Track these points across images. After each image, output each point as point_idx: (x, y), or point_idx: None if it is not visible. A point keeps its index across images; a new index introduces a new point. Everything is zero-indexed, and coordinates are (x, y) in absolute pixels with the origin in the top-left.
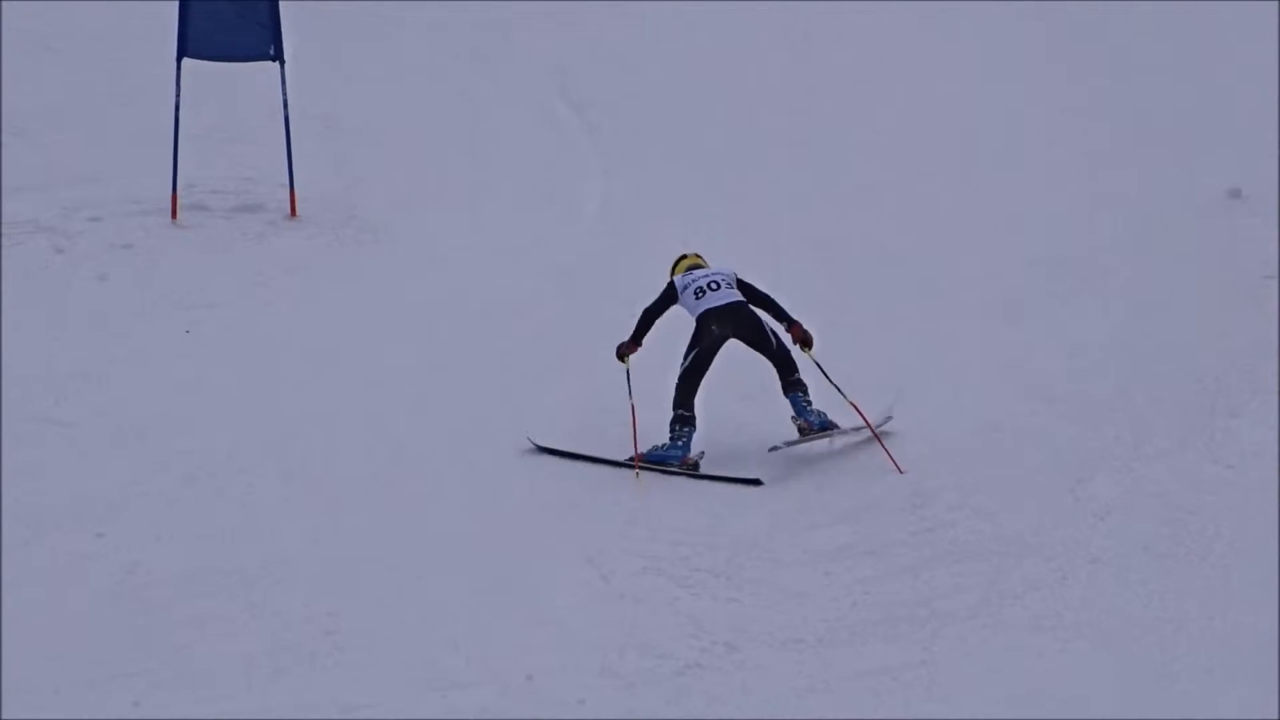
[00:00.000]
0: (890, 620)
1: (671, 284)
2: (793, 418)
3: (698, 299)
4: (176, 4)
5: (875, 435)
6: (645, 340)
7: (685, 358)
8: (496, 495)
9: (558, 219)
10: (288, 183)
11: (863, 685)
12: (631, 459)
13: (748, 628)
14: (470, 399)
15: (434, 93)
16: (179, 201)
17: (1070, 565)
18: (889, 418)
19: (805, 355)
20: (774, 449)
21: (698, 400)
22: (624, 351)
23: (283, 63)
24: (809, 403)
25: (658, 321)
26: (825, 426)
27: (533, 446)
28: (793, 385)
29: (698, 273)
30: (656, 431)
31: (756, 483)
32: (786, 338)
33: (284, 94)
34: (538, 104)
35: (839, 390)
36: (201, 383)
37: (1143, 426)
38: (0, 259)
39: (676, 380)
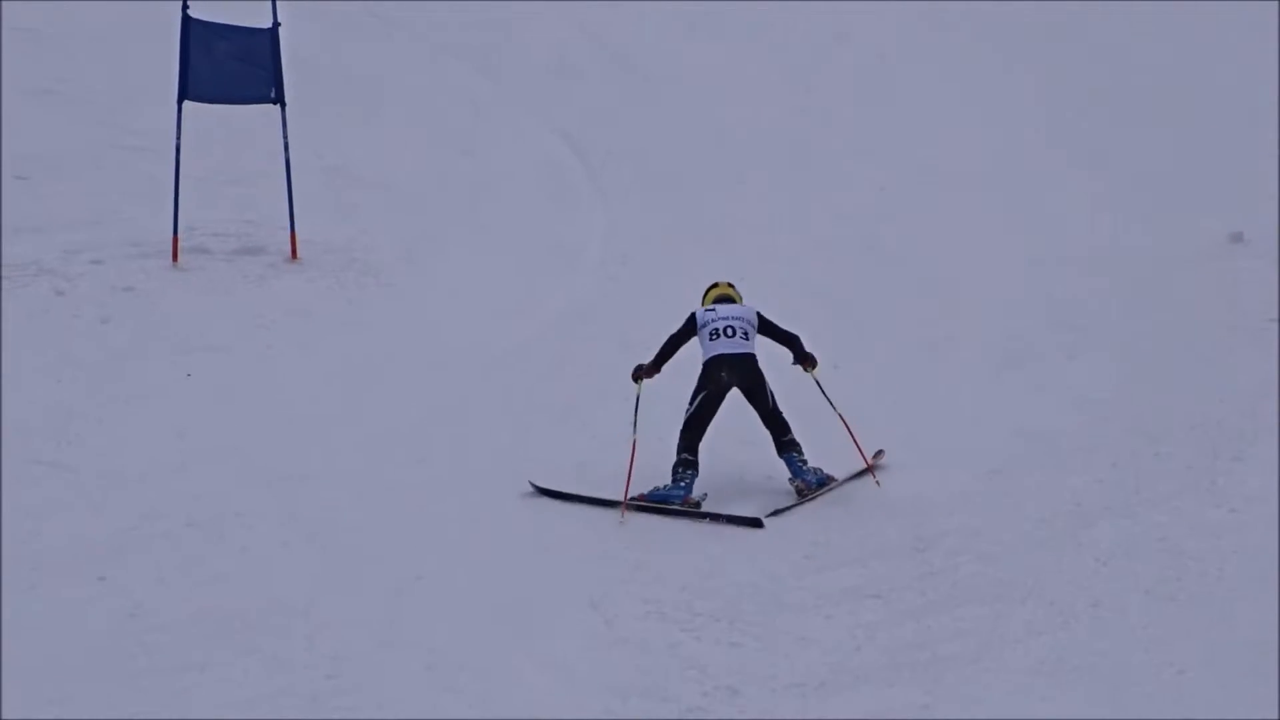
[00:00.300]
0: (893, 665)
1: (693, 316)
2: (790, 479)
3: (712, 340)
4: (178, 47)
5: (869, 466)
6: (665, 369)
7: (691, 401)
8: (499, 539)
9: (559, 263)
10: (289, 225)
11: None
12: (635, 499)
13: (750, 672)
14: (471, 443)
15: (437, 141)
16: (180, 244)
17: (1072, 609)
18: (880, 451)
19: (810, 372)
20: (775, 513)
21: (702, 446)
22: (641, 374)
23: (284, 105)
24: (804, 462)
25: (678, 352)
26: (822, 483)
27: (532, 489)
28: (786, 446)
29: (721, 310)
30: (653, 471)
31: (757, 523)
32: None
33: (284, 137)
34: (540, 149)
35: (835, 409)
36: (202, 426)
37: (1145, 471)
38: (1, 301)
39: (683, 425)
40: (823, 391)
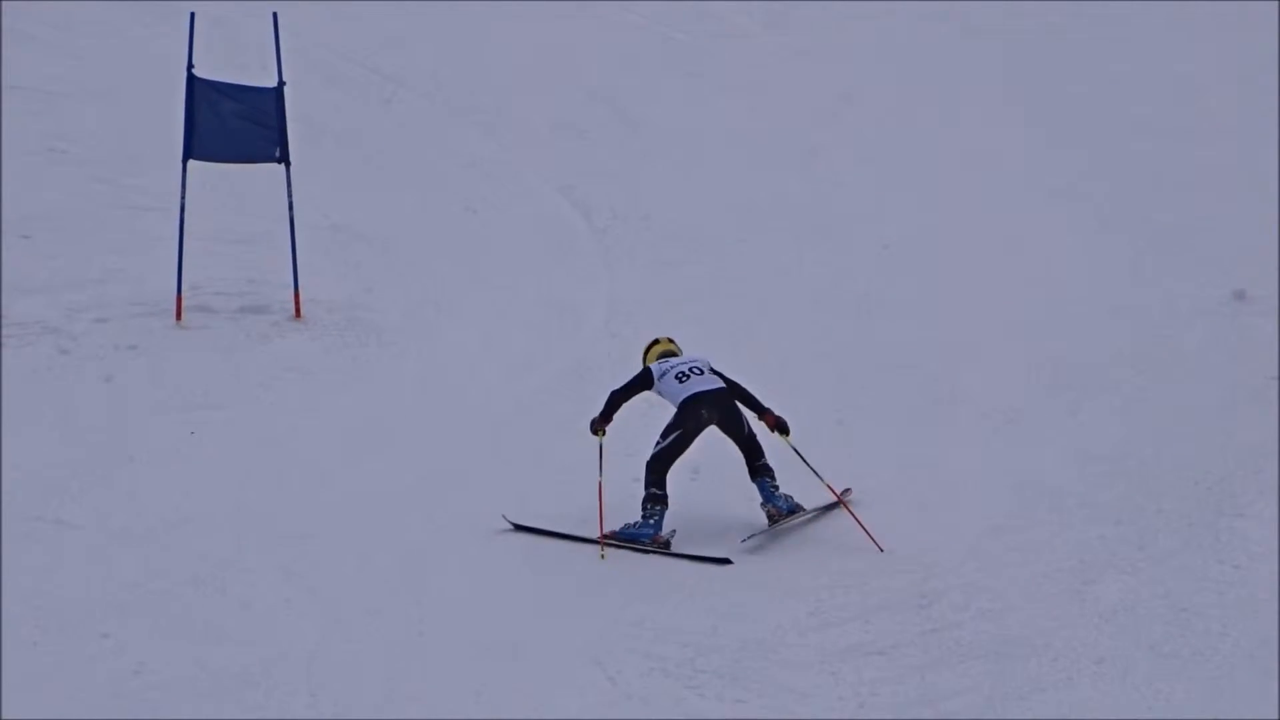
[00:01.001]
0: None
1: (647, 370)
2: (761, 504)
3: (681, 383)
4: (183, 106)
5: (851, 513)
6: (617, 419)
7: (665, 437)
8: (502, 596)
9: (563, 322)
10: (292, 284)
11: None
12: (605, 536)
13: None
14: (474, 502)
15: (441, 200)
16: (184, 303)
17: (1076, 666)
18: (848, 489)
19: (784, 442)
20: (748, 538)
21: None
22: (598, 426)
23: (288, 165)
24: (776, 488)
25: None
26: (793, 510)
27: (509, 525)
28: (759, 471)
29: (673, 360)
30: (625, 509)
31: (726, 562)
32: (759, 426)
33: (289, 196)
34: (544, 208)
35: (817, 474)
36: (206, 484)
37: (1148, 527)
38: (3, 359)
39: (650, 459)
40: (803, 458)
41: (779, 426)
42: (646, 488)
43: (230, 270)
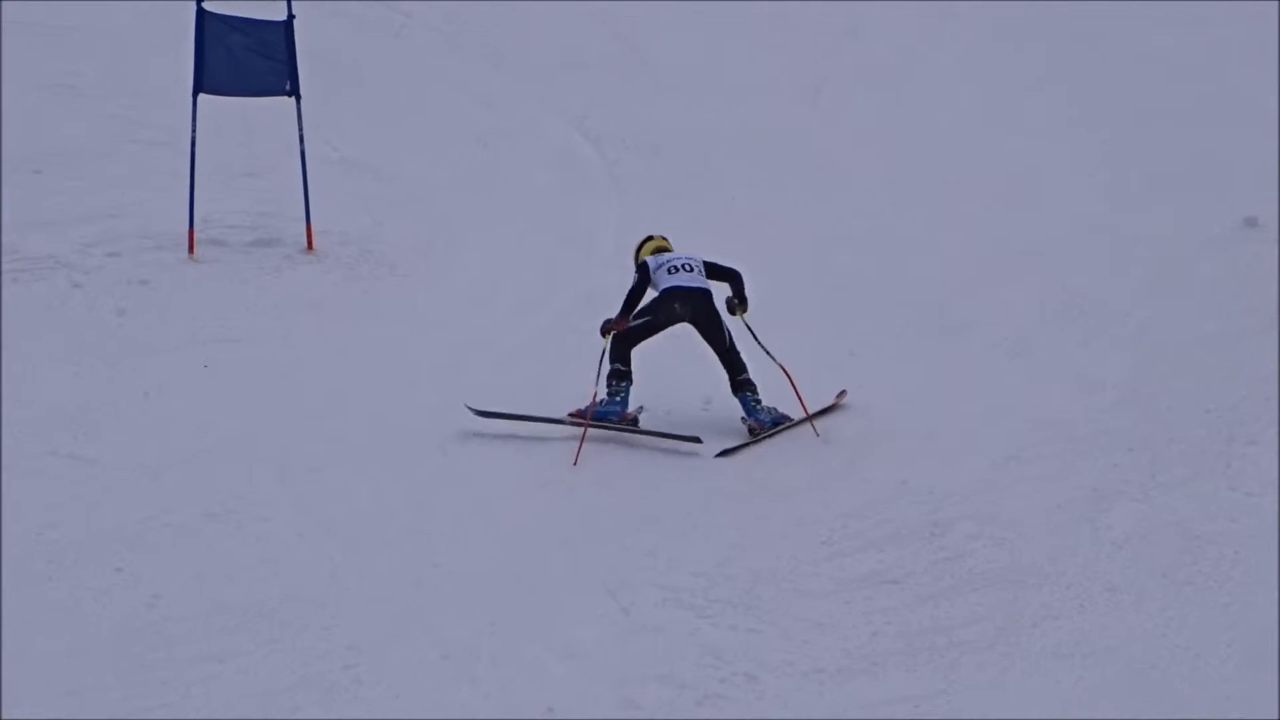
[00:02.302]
0: (910, 650)
1: (644, 264)
2: (743, 419)
3: (670, 275)
4: (193, 41)
5: (806, 413)
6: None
7: (636, 318)
8: (515, 528)
9: (575, 254)
10: (304, 218)
11: (883, 715)
12: (572, 415)
13: (768, 658)
14: (487, 434)
15: (452, 133)
16: (196, 237)
17: (1088, 594)
18: (843, 391)
19: (740, 317)
20: (724, 453)
21: (635, 359)
22: (609, 328)
23: (299, 98)
24: (758, 402)
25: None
26: (777, 422)
27: (473, 413)
28: (741, 385)
29: (667, 255)
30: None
31: (696, 440)
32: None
33: (300, 129)
34: (555, 141)
35: (773, 357)
36: (219, 417)
37: (1160, 455)
38: (16, 295)
39: (616, 335)
40: (755, 337)
41: (738, 302)
42: (610, 363)
43: (242, 204)
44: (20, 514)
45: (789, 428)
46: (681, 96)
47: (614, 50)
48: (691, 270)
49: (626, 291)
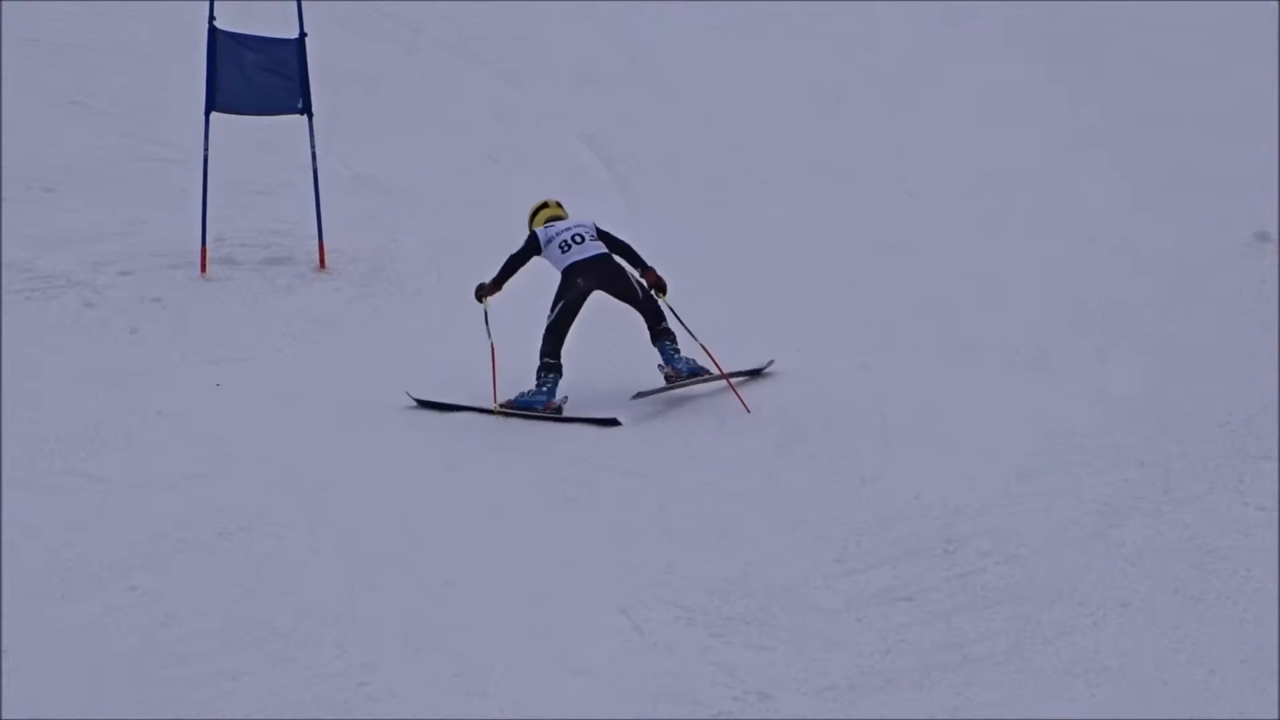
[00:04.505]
0: (923, 667)
1: (534, 235)
2: (660, 366)
3: (564, 253)
4: (205, 59)
5: (728, 381)
6: (506, 287)
7: (552, 310)
8: (529, 544)
9: None
10: (316, 235)
11: None
12: (498, 406)
13: (781, 676)
14: (499, 449)
15: (464, 149)
16: (208, 255)
17: (1101, 610)
18: (770, 361)
19: (661, 300)
20: (639, 395)
21: (564, 350)
22: (483, 293)
23: (310, 116)
24: (677, 350)
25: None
26: (694, 373)
27: (413, 402)
28: (660, 334)
29: (559, 225)
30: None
31: (614, 422)
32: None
33: (312, 147)
34: (567, 156)
35: (691, 334)
36: (232, 436)
37: (1173, 470)
38: (29, 313)
39: (545, 330)
40: (679, 319)
41: (657, 285)
42: (541, 357)
43: (254, 222)
44: (33, 532)
45: (705, 380)
46: (694, 109)
47: (625, 64)
48: (583, 240)
49: (508, 256)
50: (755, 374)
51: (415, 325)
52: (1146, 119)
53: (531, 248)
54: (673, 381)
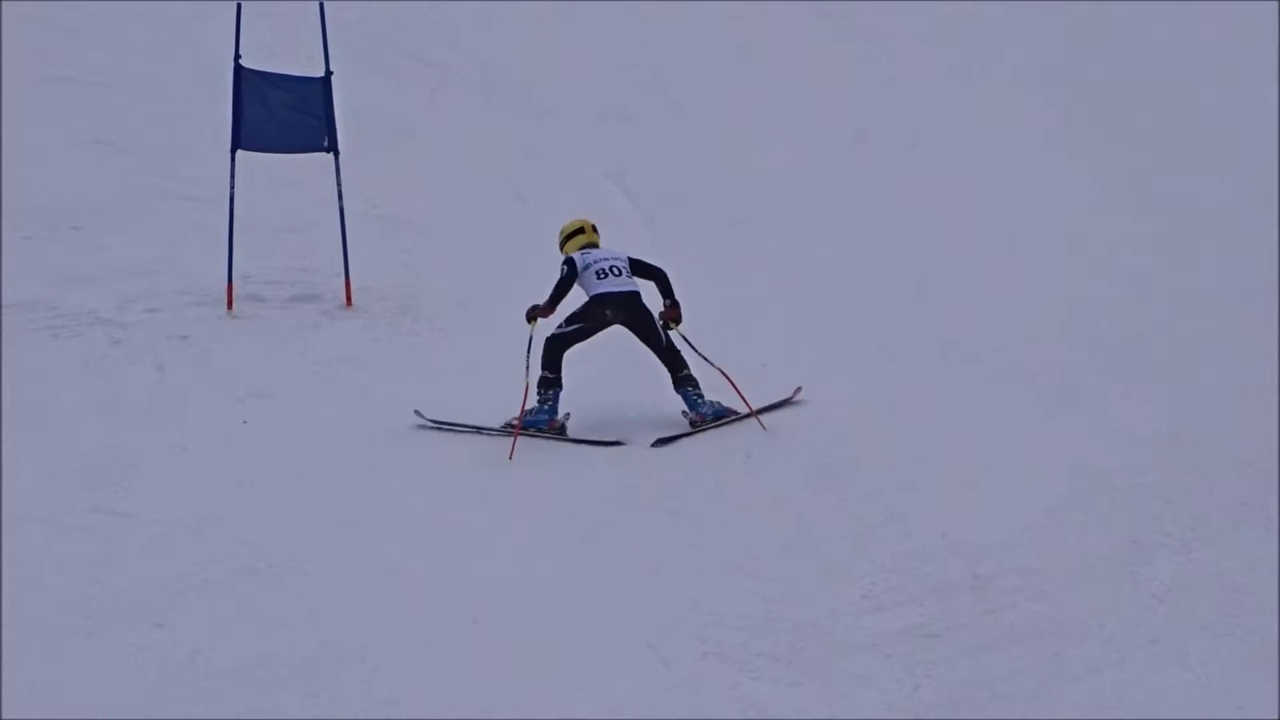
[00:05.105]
0: (951, 703)
1: (572, 260)
2: (684, 412)
3: (599, 279)
4: (231, 97)
5: (752, 411)
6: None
7: (568, 324)
8: (555, 581)
9: None
10: (343, 273)
11: None
12: (511, 425)
13: (810, 712)
14: (525, 486)
15: (490, 187)
16: (235, 292)
17: (1129, 647)
18: (798, 388)
19: (675, 331)
20: (659, 443)
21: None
22: (536, 314)
23: (337, 154)
24: (700, 396)
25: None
26: (720, 415)
27: (423, 421)
28: (683, 381)
29: (596, 253)
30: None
31: (618, 444)
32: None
33: (338, 185)
34: (593, 194)
35: (708, 360)
36: (259, 473)
37: (1200, 507)
38: (55, 350)
39: (547, 338)
40: (691, 346)
41: (672, 317)
42: (541, 369)
43: (281, 260)
44: (59, 569)
45: (733, 421)
46: (719, 146)
47: (651, 102)
48: (619, 274)
49: (555, 283)
50: (783, 404)
51: (443, 362)
52: (1169, 160)
53: (574, 273)
54: (697, 427)
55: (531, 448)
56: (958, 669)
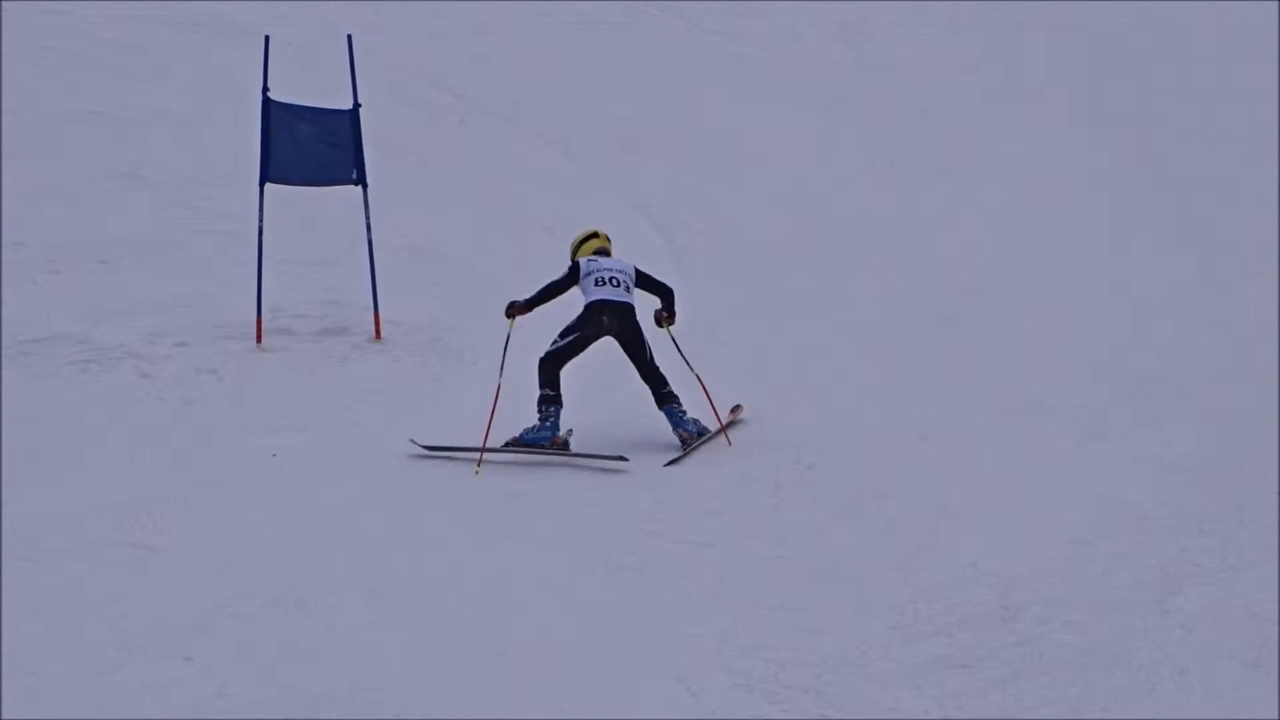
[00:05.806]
0: None
1: (577, 265)
2: (673, 430)
3: (598, 286)
4: (259, 130)
5: (721, 424)
6: (537, 312)
7: (563, 337)
8: (584, 612)
9: None
10: (372, 306)
11: None
12: (508, 442)
13: None
14: (556, 520)
15: (519, 220)
16: (264, 326)
17: (1158, 677)
18: (737, 405)
19: (667, 330)
20: (670, 463)
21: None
22: (514, 312)
23: (365, 187)
24: (684, 412)
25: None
26: (701, 433)
27: (420, 449)
28: (665, 398)
29: (604, 261)
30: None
31: (623, 459)
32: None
33: (367, 217)
34: (622, 227)
35: (689, 365)
36: (288, 507)
37: (1230, 537)
38: (84, 384)
39: (543, 356)
40: (678, 348)
41: (666, 316)
42: (540, 388)
43: (310, 293)
44: (89, 603)
45: (709, 439)
46: (748, 178)
47: (680, 134)
48: (619, 285)
49: (546, 283)
50: (731, 425)
51: (473, 395)
52: (1206, 190)
53: (573, 278)
54: (688, 444)
55: (553, 478)
56: (988, 700)
